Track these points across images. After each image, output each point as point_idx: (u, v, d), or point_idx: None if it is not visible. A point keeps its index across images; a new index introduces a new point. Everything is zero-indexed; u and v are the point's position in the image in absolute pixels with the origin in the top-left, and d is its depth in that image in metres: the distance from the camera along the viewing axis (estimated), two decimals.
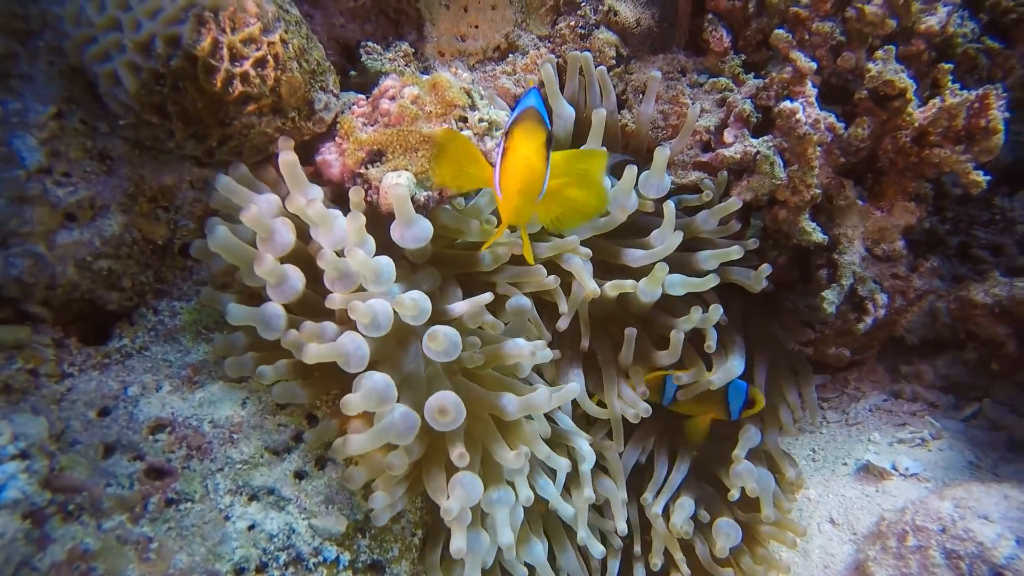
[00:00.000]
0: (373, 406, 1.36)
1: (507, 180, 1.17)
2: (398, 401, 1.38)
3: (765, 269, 1.90)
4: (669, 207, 1.79)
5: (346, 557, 1.43)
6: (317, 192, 1.54)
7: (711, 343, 1.82)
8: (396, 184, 1.51)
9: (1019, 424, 2.23)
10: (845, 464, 2.17)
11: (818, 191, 1.89)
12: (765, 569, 1.90)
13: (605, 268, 1.85)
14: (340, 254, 1.45)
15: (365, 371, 1.38)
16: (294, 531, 1.39)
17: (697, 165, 2.11)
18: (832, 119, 1.91)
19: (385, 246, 1.57)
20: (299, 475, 1.46)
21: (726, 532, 1.82)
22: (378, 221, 1.59)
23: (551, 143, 1.22)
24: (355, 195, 1.52)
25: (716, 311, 1.80)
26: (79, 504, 1.22)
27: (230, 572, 1.32)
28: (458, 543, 1.38)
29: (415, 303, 1.37)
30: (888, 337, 2.49)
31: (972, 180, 1.80)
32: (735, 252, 1.86)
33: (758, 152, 1.90)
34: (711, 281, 1.81)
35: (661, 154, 1.82)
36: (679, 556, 1.83)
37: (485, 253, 1.70)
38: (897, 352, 2.56)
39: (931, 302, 2.43)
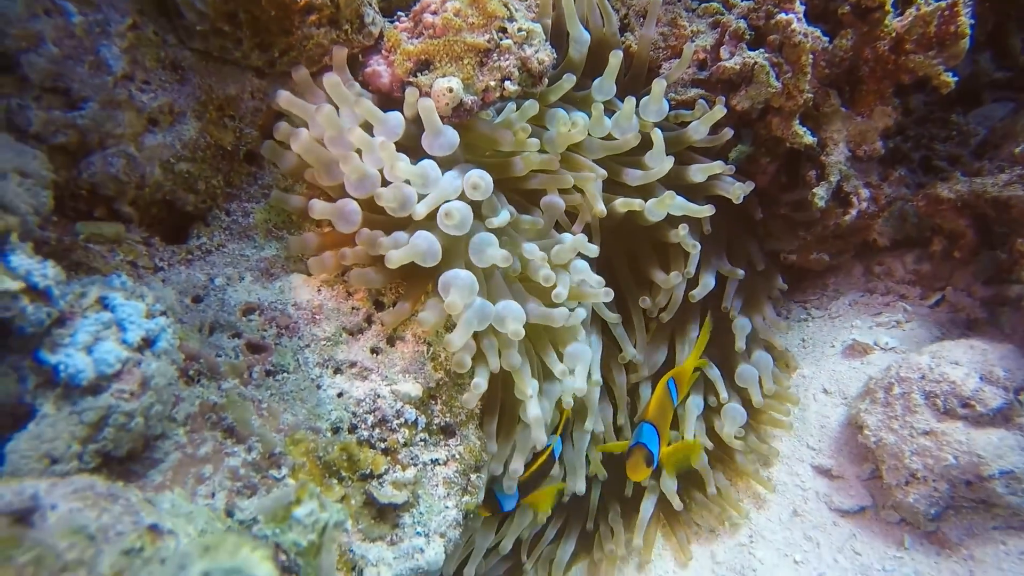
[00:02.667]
0: (466, 298, 1.53)
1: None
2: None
3: (748, 185, 2.14)
4: (657, 134, 1.98)
5: (423, 419, 1.62)
6: (367, 103, 1.66)
7: (690, 269, 2.09)
8: (449, 89, 1.66)
9: (974, 306, 2.54)
10: (832, 346, 2.45)
11: (810, 95, 2.11)
12: (767, 446, 2.17)
13: (609, 185, 2.05)
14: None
15: (450, 269, 1.55)
16: (379, 395, 1.57)
17: (696, 82, 2.32)
18: (818, 33, 2.12)
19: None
20: (375, 351, 1.63)
21: (732, 416, 2.07)
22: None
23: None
24: (411, 96, 1.66)
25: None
26: (197, 370, 1.38)
27: (328, 430, 1.49)
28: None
29: (481, 179, 1.54)
30: (862, 241, 2.78)
31: (943, 81, 2.05)
32: (717, 167, 2.08)
33: (755, 63, 2.10)
34: (707, 210, 2.04)
35: (659, 84, 1.99)
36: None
37: (517, 159, 1.87)
38: (870, 254, 2.85)
39: (900, 206, 2.72)
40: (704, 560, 2.04)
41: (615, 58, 1.95)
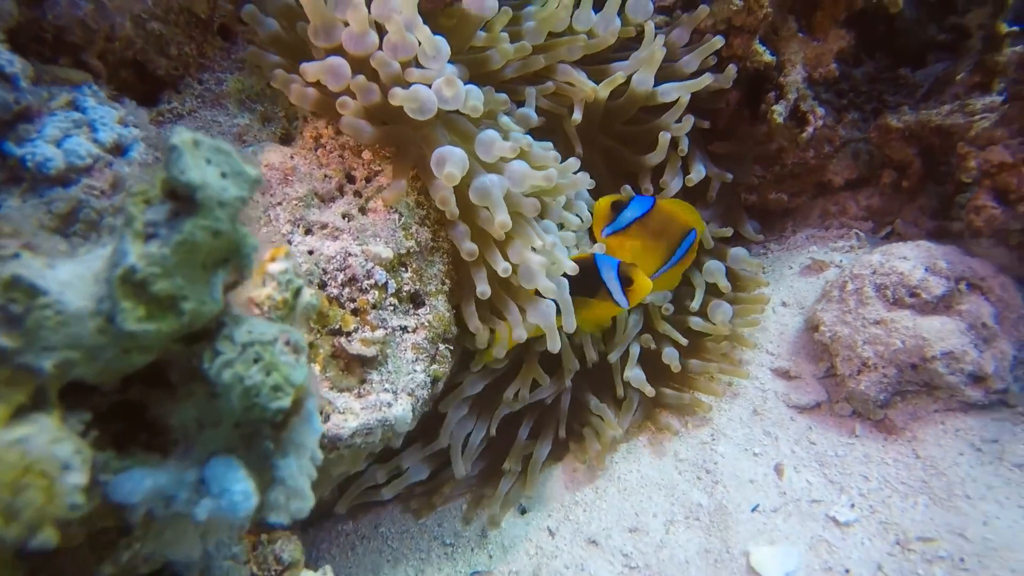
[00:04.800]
0: (459, 172, 1.56)
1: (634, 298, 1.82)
2: None
3: (732, 68, 2.19)
4: (649, 26, 2.05)
5: (393, 284, 1.63)
6: None
7: (683, 147, 2.13)
8: None
9: (920, 235, 2.67)
10: (791, 268, 2.55)
11: (770, 11, 2.21)
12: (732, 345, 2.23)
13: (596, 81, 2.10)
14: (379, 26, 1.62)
15: (444, 147, 1.58)
16: (350, 254, 1.58)
17: (660, 9, 2.40)
18: None
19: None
20: (347, 216, 1.64)
21: (723, 310, 2.14)
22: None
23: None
24: None
25: (688, 121, 2.09)
26: None
27: None
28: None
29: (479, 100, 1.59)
30: (817, 182, 2.90)
31: (893, 1, 2.17)
32: (718, 41, 2.13)
33: None
34: (705, 80, 2.08)
35: None
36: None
37: (493, 52, 1.91)
38: (826, 195, 2.98)
39: (853, 147, 2.85)
40: (668, 458, 2.08)
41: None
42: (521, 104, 1.98)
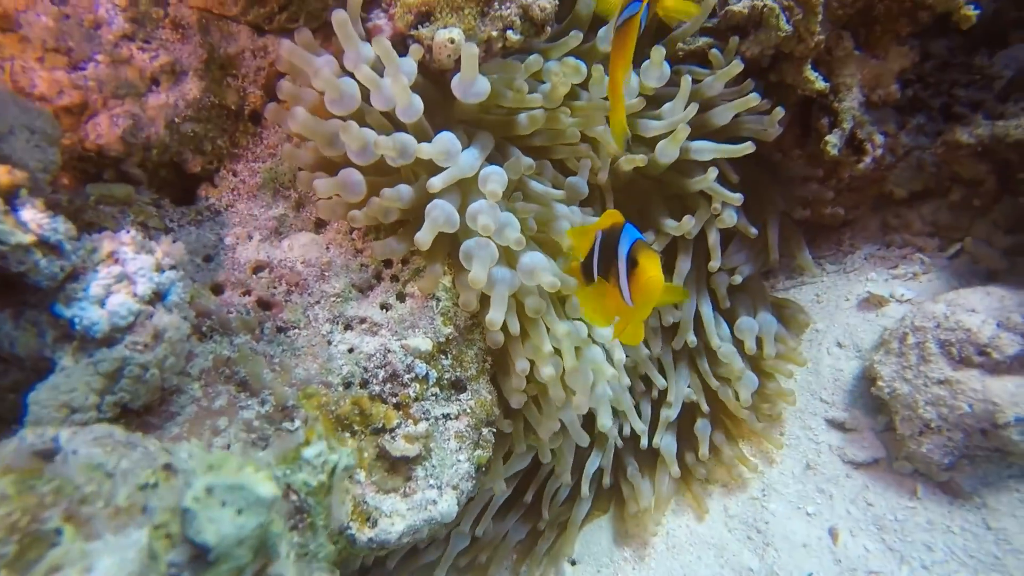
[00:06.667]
0: (490, 266, 1.55)
1: (639, 296, 1.30)
2: None
3: (778, 111, 2.04)
4: (686, 80, 1.89)
5: (434, 374, 1.63)
6: (369, 50, 1.64)
7: (717, 205, 2.01)
8: (451, 40, 1.63)
9: (994, 256, 2.49)
10: (847, 300, 2.43)
11: (822, 38, 2.05)
12: (771, 406, 2.14)
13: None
14: (390, 114, 1.59)
15: (471, 240, 1.56)
16: (389, 351, 1.58)
17: (704, 30, 2.26)
18: None
19: (433, 103, 1.71)
20: (384, 306, 1.64)
21: (746, 384, 2.03)
22: (428, 77, 1.72)
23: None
24: (415, 54, 1.64)
25: (713, 173, 1.96)
26: (210, 326, 1.40)
27: (340, 384, 1.52)
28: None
29: (498, 184, 1.55)
30: (878, 194, 2.72)
31: (964, 15, 1.98)
32: (753, 99, 1.96)
33: (765, 5, 2.04)
34: (747, 148, 1.93)
35: (657, 52, 1.88)
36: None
37: (522, 116, 1.84)
38: (887, 207, 2.80)
39: (917, 156, 2.65)
40: (717, 514, 2.06)
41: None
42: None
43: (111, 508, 0.68)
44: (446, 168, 1.56)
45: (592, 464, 1.98)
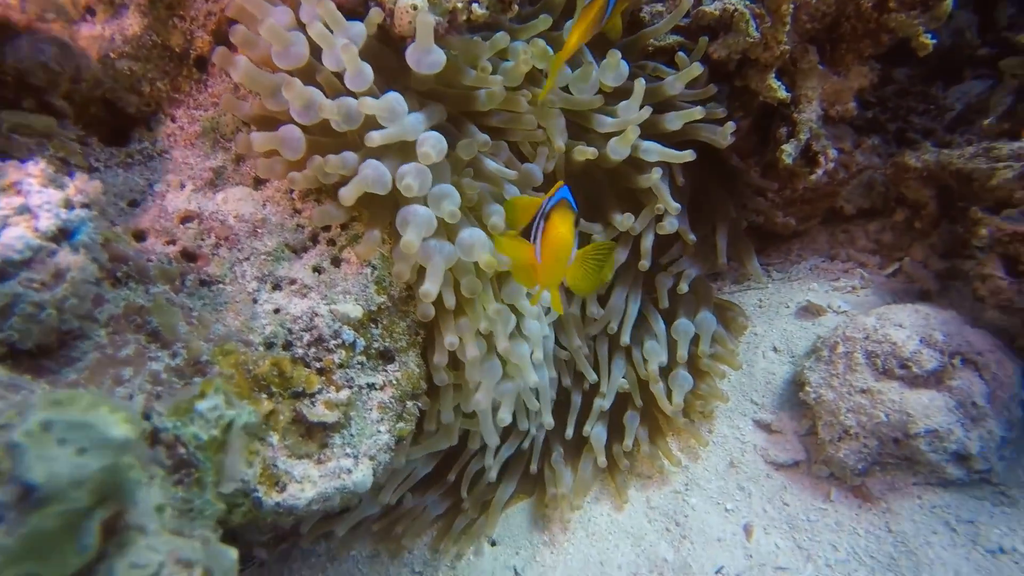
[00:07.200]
0: (425, 233, 1.52)
1: (546, 250, 1.32)
2: None
3: (730, 125, 2.06)
4: (639, 84, 1.88)
5: (361, 342, 1.60)
6: (329, 4, 1.59)
7: (660, 205, 2.02)
8: (413, 7, 1.59)
9: (928, 277, 2.56)
10: (787, 307, 2.47)
11: (787, 47, 2.07)
12: (703, 403, 2.18)
13: (579, 131, 1.98)
14: (339, 75, 1.54)
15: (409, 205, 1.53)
16: (317, 314, 1.55)
17: (675, 29, 2.25)
18: None
19: (391, 71, 1.67)
20: (317, 269, 1.61)
21: (680, 384, 2.06)
22: (389, 44, 1.68)
23: (578, 223, 1.37)
24: (375, 16, 1.59)
25: (656, 173, 1.97)
26: (126, 272, 1.34)
27: (261, 344, 1.48)
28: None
29: (433, 149, 1.50)
30: (829, 208, 2.77)
31: (921, 43, 2.02)
32: (698, 112, 1.98)
33: (736, 9, 2.05)
34: (687, 156, 1.95)
35: (613, 56, 1.86)
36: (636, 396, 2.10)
37: (481, 92, 1.81)
38: (836, 222, 2.86)
39: (869, 175, 2.71)
40: (639, 505, 2.08)
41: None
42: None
43: None
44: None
45: (506, 450, 1.99)
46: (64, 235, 1.13)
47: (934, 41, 2.04)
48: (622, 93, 1.99)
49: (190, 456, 0.90)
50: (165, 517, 0.78)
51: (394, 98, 1.54)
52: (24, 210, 1.09)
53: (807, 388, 2.01)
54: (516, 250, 1.45)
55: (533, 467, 2.09)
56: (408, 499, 2.01)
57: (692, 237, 2.18)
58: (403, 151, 1.57)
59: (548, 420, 1.89)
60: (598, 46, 2.04)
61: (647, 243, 2.06)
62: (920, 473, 1.84)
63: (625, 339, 2.07)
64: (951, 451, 1.80)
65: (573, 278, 1.46)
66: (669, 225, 2.04)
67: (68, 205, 1.13)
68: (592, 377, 2.05)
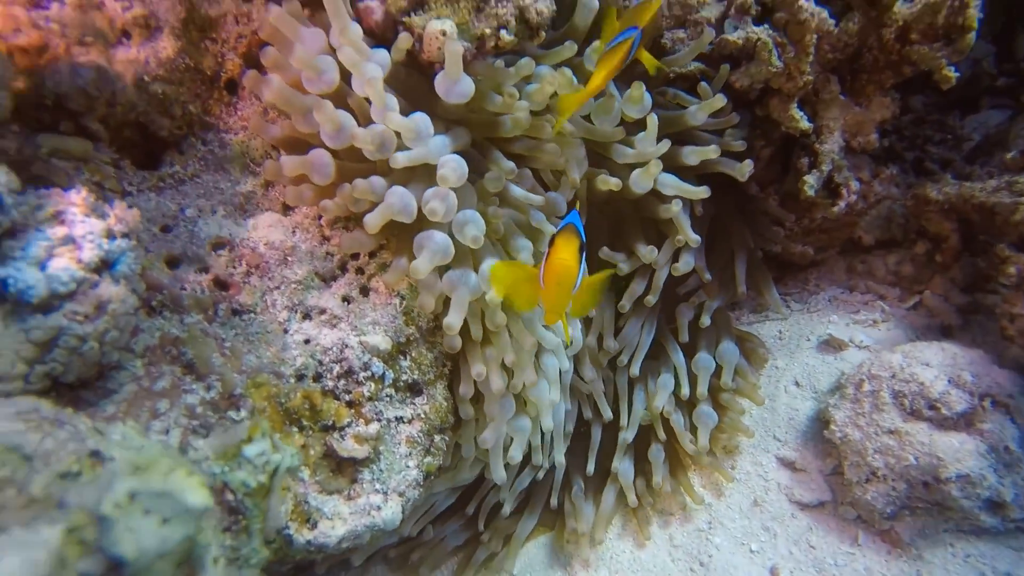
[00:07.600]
0: (439, 261, 1.49)
1: (549, 276, 1.26)
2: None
3: (748, 163, 2.05)
4: (652, 120, 1.87)
5: (390, 374, 1.57)
6: (357, 29, 1.57)
7: (680, 237, 2.01)
8: (442, 32, 1.58)
9: (950, 312, 2.55)
10: (808, 340, 2.45)
11: (810, 78, 2.07)
12: (729, 436, 2.15)
13: (600, 160, 1.99)
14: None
15: (427, 230, 1.51)
16: (347, 346, 1.51)
17: (699, 56, 2.26)
18: (825, 14, 2.08)
19: (419, 96, 1.66)
20: (347, 299, 1.58)
21: (704, 422, 2.04)
22: (418, 69, 1.66)
23: (584, 250, 1.30)
24: (403, 42, 1.58)
25: (677, 205, 1.96)
26: (160, 301, 1.31)
27: (292, 376, 1.44)
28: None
29: (454, 172, 1.47)
30: (847, 238, 2.77)
31: (944, 75, 2.02)
32: (712, 152, 1.98)
33: (759, 39, 2.05)
34: (702, 192, 1.96)
35: (638, 88, 1.86)
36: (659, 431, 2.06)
37: (506, 118, 1.79)
38: (854, 252, 2.85)
39: (888, 206, 2.71)
40: (662, 543, 2.04)
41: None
42: None
43: (24, 497, 0.60)
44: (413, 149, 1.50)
45: (520, 483, 1.96)
46: (105, 265, 1.10)
47: (957, 74, 2.05)
48: (644, 123, 1.99)
49: (238, 503, 0.86)
50: (219, 569, 0.75)
51: (420, 118, 1.53)
52: (68, 240, 1.06)
53: (832, 426, 1.98)
54: (510, 274, 1.41)
55: (553, 501, 2.05)
56: (429, 531, 1.97)
57: (708, 276, 2.16)
58: (429, 176, 1.55)
59: (560, 460, 1.87)
60: (623, 74, 2.05)
61: (659, 279, 2.04)
62: (952, 520, 1.81)
63: (635, 371, 2.04)
64: (984, 498, 1.76)
65: (576, 304, 1.38)
66: (684, 265, 2.04)
67: (110, 235, 1.10)
68: (608, 415, 2.03)
